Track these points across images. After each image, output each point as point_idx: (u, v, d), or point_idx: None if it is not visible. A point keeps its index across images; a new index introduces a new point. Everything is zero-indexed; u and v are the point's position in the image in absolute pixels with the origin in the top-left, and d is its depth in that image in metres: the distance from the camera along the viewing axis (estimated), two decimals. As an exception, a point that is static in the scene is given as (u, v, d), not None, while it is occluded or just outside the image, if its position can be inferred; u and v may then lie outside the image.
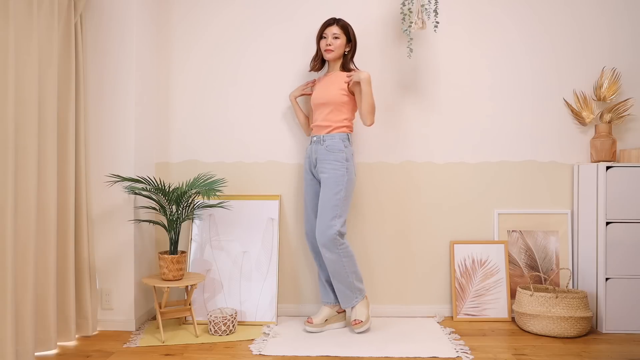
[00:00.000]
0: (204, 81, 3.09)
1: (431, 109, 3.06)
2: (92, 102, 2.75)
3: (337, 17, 2.80)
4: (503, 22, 3.05)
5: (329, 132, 2.71)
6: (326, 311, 2.76)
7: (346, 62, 2.78)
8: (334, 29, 2.72)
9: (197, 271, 2.92)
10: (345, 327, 2.80)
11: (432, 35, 3.04)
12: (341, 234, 2.62)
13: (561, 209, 3.05)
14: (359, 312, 2.70)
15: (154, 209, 2.72)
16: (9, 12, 2.04)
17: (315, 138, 2.76)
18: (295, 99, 2.95)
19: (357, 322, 2.68)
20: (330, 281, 2.80)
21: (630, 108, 3.00)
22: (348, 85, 2.70)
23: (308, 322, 2.71)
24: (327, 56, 2.75)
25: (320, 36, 2.77)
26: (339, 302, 2.78)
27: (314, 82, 2.92)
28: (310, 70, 2.90)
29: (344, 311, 2.82)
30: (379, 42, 3.02)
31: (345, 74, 2.75)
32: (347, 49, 2.77)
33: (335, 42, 2.71)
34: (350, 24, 2.79)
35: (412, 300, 3.05)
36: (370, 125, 2.71)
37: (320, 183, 2.75)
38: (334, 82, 2.75)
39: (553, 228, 3.03)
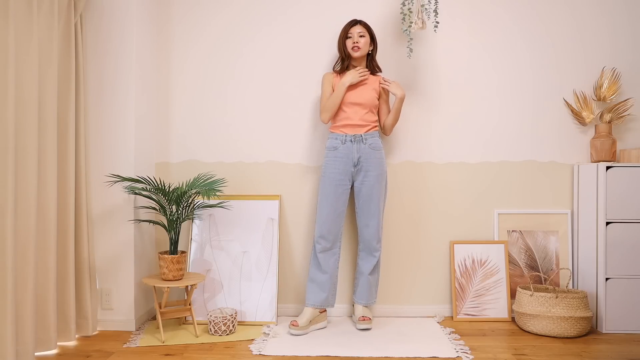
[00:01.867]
0: (204, 81, 3.09)
1: (431, 109, 3.06)
2: (92, 102, 2.75)
3: (358, 19, 2.84)
4: (503, 22, 3.06)
5: (368, 131, 2.77)
6: (310, 312, 2.75)
7: (372, 61, 2.86)
8: (359, 28, 2.78)
9: (197, 271, 2.92)
10: (326, 326, 2.80)
11: (432, 35, 3.04)
12: None
13: (561, 209, 3.05)
14: (368, 311, 2.84)
15: (154, 209, 2.72)
16: (9, 12, 2.04)
17: (351, 137, 2.75)
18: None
19: (366, 318, 2.75)
20: (334, 282, 2.82)
21: (630, 108, 3.00)
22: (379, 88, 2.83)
23: (293, 324, 2.67)
24: (354, 54, 2.78)
25: (345, 37, 2.80)
26: (328, 304, 2.80)
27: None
28: (339, 73, 2.83)
29: (325, 311, 2.84)
30: (379, 42, 3.00)
31: (377, 78, 2.84)
32: (371, 48, 2.85)
33: (361, 40, 2.77)
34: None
35: (412, 300, 3.05)
36: (388, 136, 2.96)
37: (353, 183, 2.81)
38: (368, 84, 2.81)
39: (553, 228, 3.03)
